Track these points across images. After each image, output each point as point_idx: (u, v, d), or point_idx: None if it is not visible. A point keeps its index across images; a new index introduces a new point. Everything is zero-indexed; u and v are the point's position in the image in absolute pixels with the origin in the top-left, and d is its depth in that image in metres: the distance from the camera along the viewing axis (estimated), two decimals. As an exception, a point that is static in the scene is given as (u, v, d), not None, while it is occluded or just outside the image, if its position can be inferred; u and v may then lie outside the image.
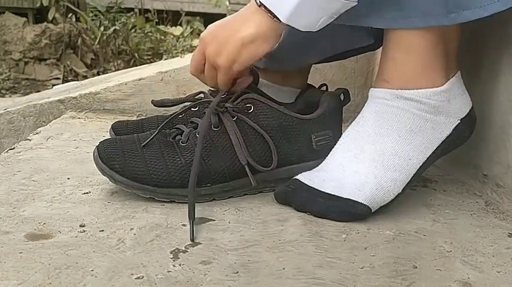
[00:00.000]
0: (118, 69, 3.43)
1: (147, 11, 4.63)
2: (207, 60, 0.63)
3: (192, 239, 0.51)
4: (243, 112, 0.63)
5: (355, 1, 0.56)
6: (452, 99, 0.61)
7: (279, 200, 0.61)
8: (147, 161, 0.60)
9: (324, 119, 0.66)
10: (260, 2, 0.57)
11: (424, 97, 0.59)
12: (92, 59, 3.99)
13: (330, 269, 0.46)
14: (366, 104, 0.63)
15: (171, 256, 0.47)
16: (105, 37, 3.90)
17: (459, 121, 0.62)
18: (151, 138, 0.62)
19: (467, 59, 0.70)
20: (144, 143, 0.62)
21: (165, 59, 3.35)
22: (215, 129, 0.62)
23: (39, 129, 0.98)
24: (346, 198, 0.57)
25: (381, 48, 0.64)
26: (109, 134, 0.81)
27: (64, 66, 3.76)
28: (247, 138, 0.62)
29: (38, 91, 2.66)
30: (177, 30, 4.50)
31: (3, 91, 3.32)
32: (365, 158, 0.59)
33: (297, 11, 0.56)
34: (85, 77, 3.42)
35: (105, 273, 0.44)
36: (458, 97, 0.62)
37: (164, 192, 0.60)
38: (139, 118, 0.86)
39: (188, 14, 5.28)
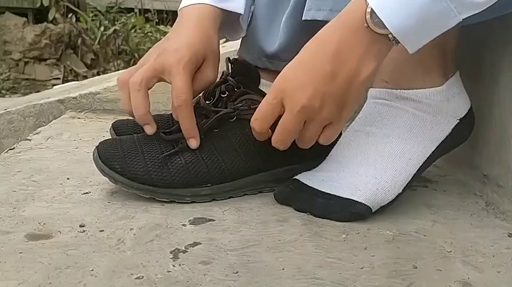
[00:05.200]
0: (118, 70, 3.43)
1: (147, 11, 4.63)
2: (316, 122, 0.53)
3: None
4: (243, 112, 0.63)
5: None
6: (451, 99, 0.61)
7: (279, 200, 0.61)
8: (147, 161, 0.60)
9: (324, 119, 0.66)
10: (393, 36, 0.48)
11: (423, 97, 0.59)
12: (92, 59, 3.99)
13: (329, 270, 0.46)
14: (365, 104, 0.63)
15: (171, 256, 0.47)
16: (105, 37, 3.90)
17: (458, 121, 0.62)
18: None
19: (467, 59, 0.70)
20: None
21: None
22: (215, 130, 0.62)
23: (39, 129, 0.98)
24: (346, 198, 0.57)
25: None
26: (109, 133, 0.81)
27: (64, 66, 3.76)
28: (247, 137, 0.62)
29: (38, 91, 2.66)
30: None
31: (3, 91, 3.32)
32: (365, 158, 0.59)
33: (426, 42, 0.50)
34: (85, 77, 3.42)
35: (105, 273, 0.44)
36: (457, 97, 0.62)
37: (164, 192, 0.60)
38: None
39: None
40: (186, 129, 0.61)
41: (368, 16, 0.48)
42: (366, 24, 0.48)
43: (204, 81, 0.65)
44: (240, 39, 0.79)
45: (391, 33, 0.48)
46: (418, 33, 0.49)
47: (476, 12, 0.48)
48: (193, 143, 0.61)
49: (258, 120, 0.54)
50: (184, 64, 0.61)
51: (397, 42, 0.49)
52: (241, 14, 0.70)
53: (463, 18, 0.47)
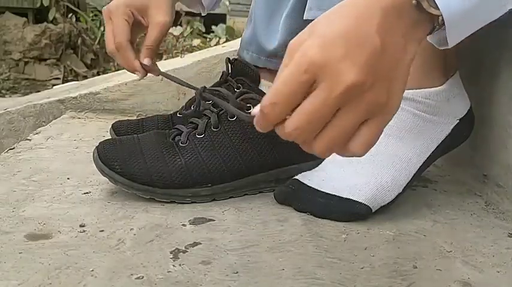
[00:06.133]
0: (118, 69, 3.43)
1: (147, 11, 4.62)
2: (359, 109, 0.37)
3: None
4: (243, 112, 0.63)
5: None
6: (452, 99, 0.61)
7: (279, 200, 0.61)
8: (147, 161, 0.60)
9: (324, 119, 0.66)
10: (442, 19, 0.40)
11: (423, 97, 0.59)
12: (92, 59, 3.99)
13: (330, 270, 0.46)
14: (365, 104, 0.63)
15: (171, 256, 0.47)
16: (105, 37, 3.90)
17: (458, 121, 0.62)
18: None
19: (467, 59, 0.70)
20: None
21: (165, 59, 3.34)
22: (215, 129, 0.62)
23: (39, 129, 0.98)
24: (346, 198, 0.57)
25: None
26: (109, 134, 0.81)
27: (64, 66, 3.76)
28: (248, 137, 0.62)
29: (38, 91, 2.66)
30: (177, 30, 4.50)
31: (3, 91, 3.32)
32: (365, 159, 0.58)
33: (467, 35, 0.44)
34: (85, 77, 3.42)
35: (105, 273, 0.44)
36: (457, 97, 0.62)
37: (164, 192, 0.60)
38: (139, 118, 0.86)
39: (188, 14, 5.27)
40: (126, 67, 0.71)
41: None
42: (414, 1, 0.39)
43: (152, 26, 0.73)
44: (240, 38, 0.79)
45: (441, 15, 0.40)
46: (466, 22, 0.42)
47: None
48: (138, 75, 0.70)
49: (278, 104, 0.38)
50: (122, 9, 0.71)
51: (439, 28, 0.41)
52: None
53: (509, 8, 0.43)
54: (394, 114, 0.40)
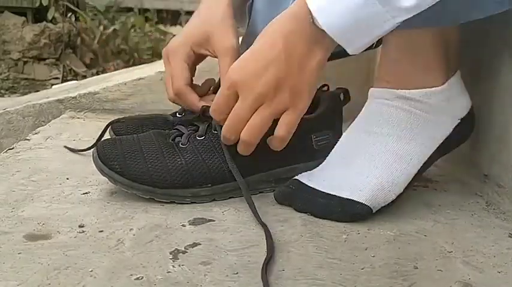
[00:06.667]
0: (117, 69, 3.42)
1: (147, 10, 4.63)
2: (269, 108, 0.53)
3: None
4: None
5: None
6: (452, 99, 0.61)
7: (279, 201, 0.61)
8: (147, 161, 0.60)
9: (324, 119, 0.66)
10: (329, 33, 0.50)
11: (424, 97, 0.59)
12: (91, 58, 3.98)
13: (330, 270, 0.46)
14: (366, 104, 0.63)
15: (171, 257, 0.47)
16: (104, 37, 3.90)
17: (459, 121, 0.62)
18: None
19: (468, 58, 0.69)
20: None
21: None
22: (215, 131, 0.62)
23: (38, 129, 0.98)
24: (346, 198, 0.56)
25: (381, 47, 0.64)
26: (108, 134, 0.80)
27: (63, 66, 3.75)
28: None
29: (37, 91, 2.66)
30: (176, 30, 4.50)
31: (2, 91, 3.32)
32: (366, 158, 0.59)
33: (367, 44, 0.51)
34: (84, 77, 3.42)
35: (104, 274, 0.44)
36: (458, 97, 0.62)
37: (164, 193, 0.59)
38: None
39: (188, 13, 5.27)
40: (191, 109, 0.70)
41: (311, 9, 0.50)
42: (310, 20, 0.50)
43: (223, 53, 0.68)
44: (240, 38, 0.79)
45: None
46: (352, 34, 0.49)
47: (409, 16, 0.48)
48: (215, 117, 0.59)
49: (216, 111, 0.56)
50: (181, 51, 0.70)
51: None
52: None
53: (398, 22, 0.48)
54: (305, 107, 0.54)
